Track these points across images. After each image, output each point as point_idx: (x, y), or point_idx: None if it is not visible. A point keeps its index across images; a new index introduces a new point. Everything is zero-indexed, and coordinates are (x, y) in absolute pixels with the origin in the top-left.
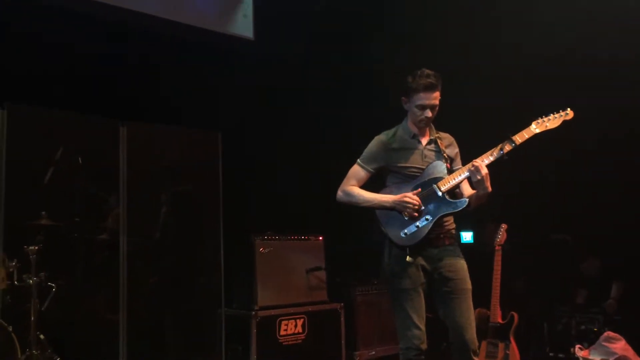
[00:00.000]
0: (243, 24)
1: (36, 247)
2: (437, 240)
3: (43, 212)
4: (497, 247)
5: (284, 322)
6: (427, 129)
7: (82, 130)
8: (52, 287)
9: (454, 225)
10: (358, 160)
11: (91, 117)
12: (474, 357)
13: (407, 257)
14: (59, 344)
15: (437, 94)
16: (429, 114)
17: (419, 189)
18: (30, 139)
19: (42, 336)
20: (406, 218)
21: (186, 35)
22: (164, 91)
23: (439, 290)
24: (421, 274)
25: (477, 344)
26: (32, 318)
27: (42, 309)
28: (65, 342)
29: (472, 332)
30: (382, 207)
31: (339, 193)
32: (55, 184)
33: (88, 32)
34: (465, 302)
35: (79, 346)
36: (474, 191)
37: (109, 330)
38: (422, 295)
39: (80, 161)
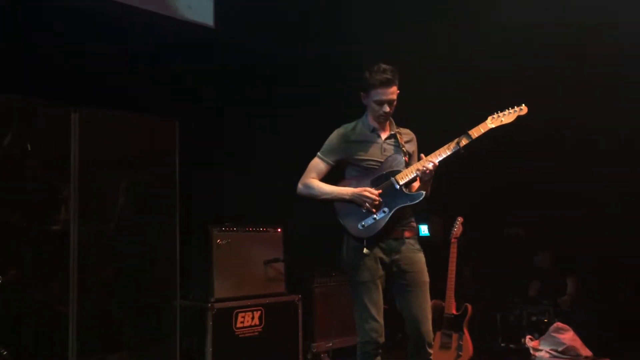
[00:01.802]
0: (204, 12)
1: None
2: (396, 232)
3: None
4: (452, 240)
5: (240, 314)
6: (387, 123)
7: (31, 116)
8: None
9: (413, 218)
10: (318, 153)
11: (41, 102)
12: (429, 350)
13: (364, 249)
14: (6, 337)
15: (394, 89)
16: (387, 109)
17: (379, 184)
18: None
19: None
20: (364, 210)
21: (145, 20)
22: (120, 77)
23: (396, 282)
24: (379, 266)
25: (432, 336)
26: None
27: None
28: (13, 335)
29: (427, 325)
30: (341, 200)
31: (299, 186)
32: (3, 171)
33: (42, 13)
34: (422, 294)
35: (28, 339)
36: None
37: (59, 322)
38: (380, 288)
39: (29, 148)
